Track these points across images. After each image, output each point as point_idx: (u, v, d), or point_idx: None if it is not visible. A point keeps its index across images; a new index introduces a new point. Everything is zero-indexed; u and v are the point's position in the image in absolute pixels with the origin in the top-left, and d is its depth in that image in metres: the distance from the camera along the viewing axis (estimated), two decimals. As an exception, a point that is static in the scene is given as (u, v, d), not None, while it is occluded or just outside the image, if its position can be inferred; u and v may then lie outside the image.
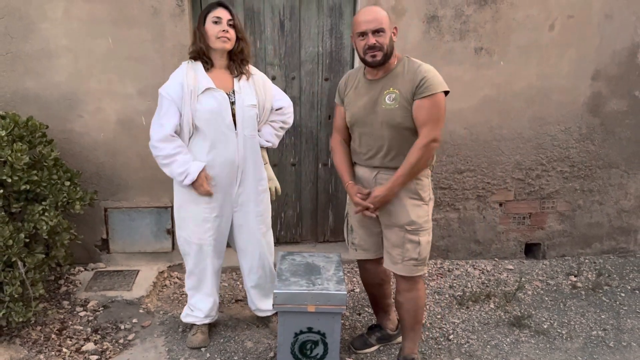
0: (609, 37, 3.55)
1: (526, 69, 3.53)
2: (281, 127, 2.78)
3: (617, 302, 3.31)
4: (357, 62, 3.43)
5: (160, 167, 2.55)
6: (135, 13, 3.14)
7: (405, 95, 2.28)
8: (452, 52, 3.44)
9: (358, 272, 3.49)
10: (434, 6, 3.35)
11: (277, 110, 2.73)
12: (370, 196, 2.36)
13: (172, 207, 3.43)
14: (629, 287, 3.50)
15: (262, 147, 2.71)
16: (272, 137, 2.74)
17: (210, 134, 2.49)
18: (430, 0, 3.34)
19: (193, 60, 2.53)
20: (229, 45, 2.49)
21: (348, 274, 3.57)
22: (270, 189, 2.78)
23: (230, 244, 2.81)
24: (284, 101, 2.76)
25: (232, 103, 2.52)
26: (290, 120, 2.81)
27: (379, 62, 2.28)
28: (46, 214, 2.73)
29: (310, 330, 2.38)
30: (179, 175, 2.51)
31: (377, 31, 2.25)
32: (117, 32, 3.16)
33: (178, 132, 2.50)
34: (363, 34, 2.27)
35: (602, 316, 3.15)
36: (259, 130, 2.68)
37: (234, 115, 2.52)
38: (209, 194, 2.55)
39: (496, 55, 3.48)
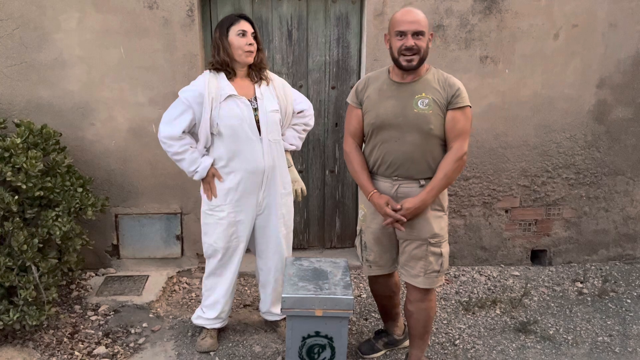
0: (613, 45, 3.58)
1: (531, 77, 3.56)
2: (304, 130, 2.84)
3: (623, 309, 3.32)
4: (364, 70, 3.49)
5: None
6: (146, 24, 3.22)
7: (439, 102, 2.27)
8: (457, 60, 3.49)
9: (365, 277, 3.53)
10: (439, 15, 3.40)
11: (298, 113, 2.80)
12: (403, 209, 2.30)
13: (181, 214, 3.50)
14: (635, 294, 3.50)
15: (286, 151, 2.78)
16: (295, 140, 2.81)
17: (236, 140, 2.55)
18: (435, 10, 3.39)
19: (215, 71, 2.58)
20: (251, 59, 2.56)
21: (355, 280, 3.60)
22: (295, 190, 2.84)
23: (249, 248, 2.86)
24: (305, 104, 2.83)
25: (255, 109, 2.58)
26: (312, 122, 2.87)
27: (414, 67, 2.25)
28: (59, 219, 2.79)
29: (317, 334, 2.41)
30: (189, 173, 2.61)
31: (417, 34, 2.21)
32: (129, 42, 3.23)
33: (193, 133, 2.58)
34: (402, 34, 2.21)
35: (608, 322, 3.17)
36: (282, 135, 2.75)
37: (257, 122, 2.58)
38: (214, 195, 2.64)
39: (501, 63, 3.52)
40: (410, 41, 2.21)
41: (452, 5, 3.40)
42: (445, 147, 2.34)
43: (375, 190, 2.40)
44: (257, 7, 3.42)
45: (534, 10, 3.45)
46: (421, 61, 2.26)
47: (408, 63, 2.24)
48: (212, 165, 2.60)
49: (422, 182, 2.34)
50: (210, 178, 2.62)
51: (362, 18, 3.48)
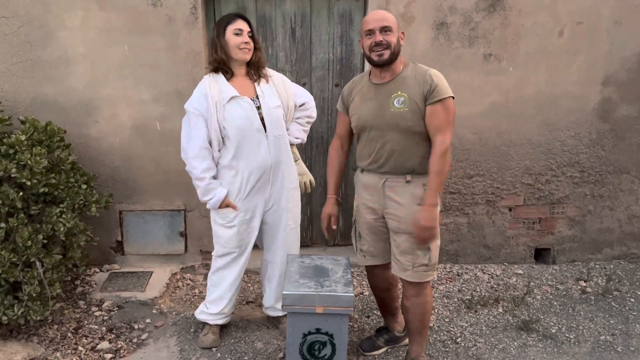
0: (618, 43, 3.55)
1: (535, 75, 3.55)
2: (307, 122, 2.87)
3: (627, 308, 3.31)
4: (367, 68, 3.48)
5: None
6: (150, 21, 3.23)
7: (415, 98, 2.30)
8: (461, 58, 3.48)
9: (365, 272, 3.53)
10: (443, 13, 3.39)
11: (300, 106, 2.82)
12: (418, 231, 2.32)
13: (185, 210, 3.52)
14: (639, 293, 3.49)
15: (291, 144, 2.81)
16: (300, 133, 2.84)
17: (242, 140, 2.58)
18: (439, 7, 3.38)
19: (214, 73, 2.62)
20: (249, 56, 2.59)
21: (357, 277, 3.61)
22: (304, 182, 2.88)
23: (256, 243, 2.88)
24: (306, 96, 2.85)
25: (258, 107, 2.60)
26: (314, 114, 2.90)
27: (386, 60, 2.30)
28: (63, 216, 2.82)
29: (318, 331, 2.42)
30: (202, 200, 2.65)
31: (385, 29, 2.29)
32: (133, 40, 3.25)
33: (210, 143, 2.59)
34: (370, 32, 2.31)
35: (611, 321, 3.15)
36: (287, 129, 2.77)
37: (262, 120, 2.60)
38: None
39: (505, 61, 3.51)
40: (378, 37, 2.29)
41: (455, 2, 3.38)
42: (429, 140, 2.36)
43: (333, 196, 2.68)
44: (260, 5, 3.43)
45: (538, 8, 3.44)
46: (393, 55, 2.31)
47: (379, 57, 2.31)
48: (227, 196, 2.63)
49: (409, 177, 2.38)
50: (224, 208, 2.65)
51: (365, 15, 3.47)
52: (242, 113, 2.56)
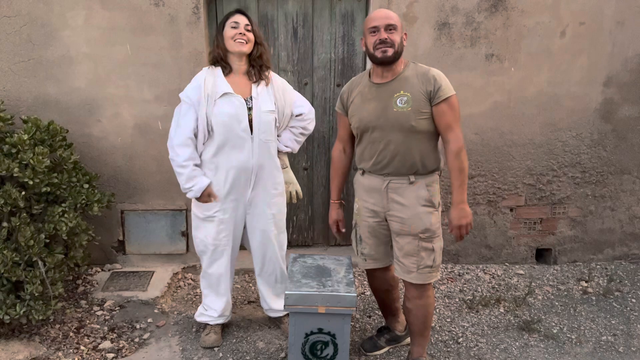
0: (620, 43, 3.56)
1: (537, 75, 3.55)
2: (301, 133, 2.83)
3: (628, 308, 3.31)
4: (367, 68, 3.48)
5: None
6: (152, 21, 3.23)
7: (418, 98, 2.29)
8: (463, 58, 3.48)
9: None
10: (445, 13, 3.40)
11: (297, 116, 2.79)
12: (455, 231, 2.36)
13: (186, 210, 3.52)
14: (641, 293, 3.50)
15: (281, 152, 2.79)
16: (291, 142, 2.81)
17: (227, 138, 2.56)
18: (441, 8, 3.39)
19: (213, 66, 2.62)
20: (245, 48, 2.57)
21: (359, 277, 3.61)
22: (290, 192, 2.85)
23: (245, 246, 2.88)
24: (305, 108, 2.82)
25: (250, 109, 2.59)
26: (311, 127, 2.86)
27: (390, 58, 2.29)
28: (65, 215, 2.82)
29: (320, 331, 2.43)
30: (184, 189, 2.62)
31: (390, 27, 2.28)
32: (135, 39, 3.25)
33: (195, 135, 2.58)
34: (375, 29, 2.29)
35: (612, 322, 3.16)
36: (278, 136, 2.76)
37: (251, 121, 2.59)
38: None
39: (507, 61, 3.51)
40: (383, 34, 2.28)
41: (457, 2, 3.39)
42: (432, 139, 2.37)
43: (336, 201, 2.70)
44: (262, 5, 3.43)
45: (541, 8, 3.44)
46: (396, 54, 2.30)
47: (383, 54, 2.29)
48: (209, 185, 2.61)
49: (412, 178, 2.37)
50: (205, 198, 2.62)
51: (368, 15, 3.47)
52: (231, 111, 2.54)
